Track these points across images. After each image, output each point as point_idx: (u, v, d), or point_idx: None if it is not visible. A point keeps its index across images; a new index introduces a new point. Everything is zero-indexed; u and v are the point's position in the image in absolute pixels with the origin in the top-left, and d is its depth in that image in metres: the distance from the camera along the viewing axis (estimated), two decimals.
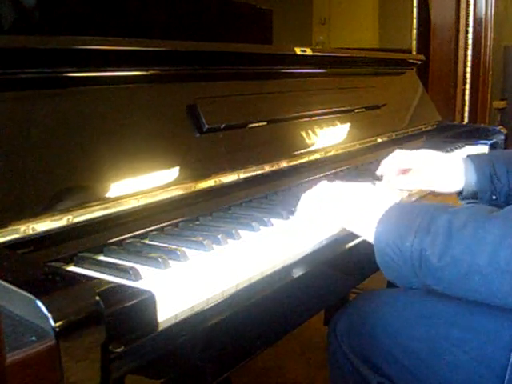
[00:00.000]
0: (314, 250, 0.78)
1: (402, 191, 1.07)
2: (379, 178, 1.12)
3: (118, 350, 0.49)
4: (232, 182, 0.95)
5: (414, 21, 2.07)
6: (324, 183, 0.86)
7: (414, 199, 1.09)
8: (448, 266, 0.65)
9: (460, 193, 1.05)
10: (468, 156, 1.07)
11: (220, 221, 0.87)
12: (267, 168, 1.03)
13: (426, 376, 0.83)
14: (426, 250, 0.66)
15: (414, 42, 2.07)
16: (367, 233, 0.76)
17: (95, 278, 0.56)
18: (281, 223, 0.86)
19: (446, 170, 1.05)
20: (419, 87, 1.84)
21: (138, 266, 0.64)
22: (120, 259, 0.69)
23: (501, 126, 1.73)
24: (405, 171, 1.10)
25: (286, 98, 1.19)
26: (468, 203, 1.04)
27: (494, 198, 1.00)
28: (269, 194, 1.01)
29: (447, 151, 1.54)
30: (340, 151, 1.25)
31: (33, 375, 0.47)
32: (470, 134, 1.74)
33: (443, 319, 0.84)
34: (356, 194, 0.81)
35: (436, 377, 0.83)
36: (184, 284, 0.62)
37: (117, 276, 0.63)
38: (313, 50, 1.28)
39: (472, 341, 0.81)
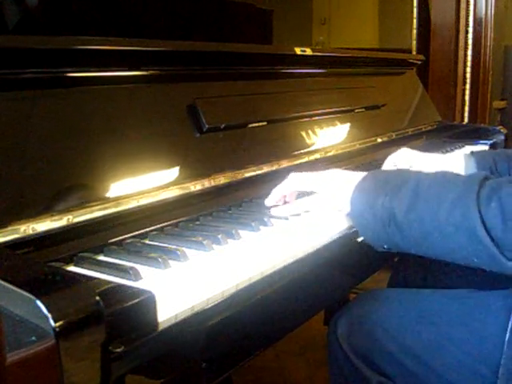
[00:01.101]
0: (314, 249, 0.78)
1: None
2: None
3: (118, 350, 0.49)
4: (232, 181, 0.95)
5: (414, 21, 2.07)
6: (293, 174, 0.89)
7: None
8: (413, 223, 0.69)
9: None
10: (470, 152, 1.09)
11: (220, 221, 0.87)
12: (267, 168, 1.03)
13: (426, 375, 0.83)
14: (395, 207, 0.71)
15: (414, 42, 2.07)
16: (343, 199, 0.79)
17: (95, 278, 0.56)
18: (281, 223, 0.85)
19: (446, 166, 1.07)
20: (419, 87, 1.84)
21: (138, 266, 0.64)
22: (120, 259, 0.69)
23: (501, 126, 1.73)
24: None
25: (286, 98, 1.19)
26: None
27: None
28: (269, 194, 1.01)
29: (447, 151, 1.54)
30: (340, 151, 1.25)
31: (33, 375, 0.47)
32: (470, 134, 1.75)
33: (443, 319, 0.84)
34: (330, 176, 0.84)
35: (436, 376, 0.83)
36: (184, 284, 0.62)
37: (117, 276, 0.62)
38: (313, 50, 1.28)
39: (472, 341, 0.81)
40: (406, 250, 0.74)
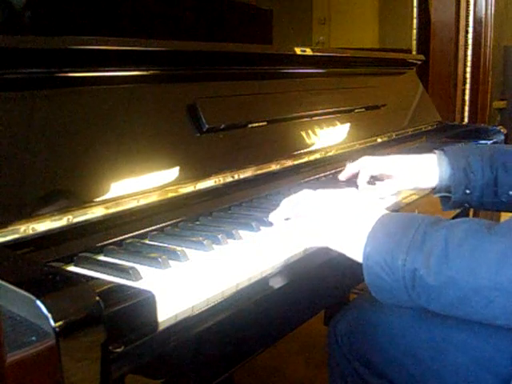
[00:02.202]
0: (314, 249, 0.78)
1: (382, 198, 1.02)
2: (372, 182, 1.09)
3: (118, 350, 0.49)
4: (232, 181, 0.95)
5: (414, 21, 2.07)
6: (305, 191, 0.80)
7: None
8: (444, 286, 0.60)
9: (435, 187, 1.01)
10: (442, 149, 1.03)
11: (220, 221, 0.87)
12: (267, 168, 1.03)
13: (426, 378, 0.83)
14: (420, 269, 0.61)
15: (414, 42, 2.07)
16: (354, 251, 0.69)
17: (95, 278, 0.56)
18: (281, 223, 0.85)
19: (419, 167, 1.02)
20: (419, 87, 1.84)
21: (137, 266, 0.64)
22: (120, 259, 0.69)
23: (501, 126, 1.72)
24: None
25: (286, 97, 1.19)
26: (441, 197, 1.02)
27: (467, 192, 0.97)
28: (269, 194, 1.01)
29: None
30: (340, 151, 1.25)
31: (33, 375, 0.47)
32: (470, 134, 1.74)
33: (444, 321, 0.84)
34: (338, 207, 0.74)
35: (436, 379, 0.82)
36: (184, 284, 0.62)
37: (117, 276, 0.63)
38: (313, 50, 1.28)
39: (473, 343, 0.81)
40: (432, 311, 0.65)
